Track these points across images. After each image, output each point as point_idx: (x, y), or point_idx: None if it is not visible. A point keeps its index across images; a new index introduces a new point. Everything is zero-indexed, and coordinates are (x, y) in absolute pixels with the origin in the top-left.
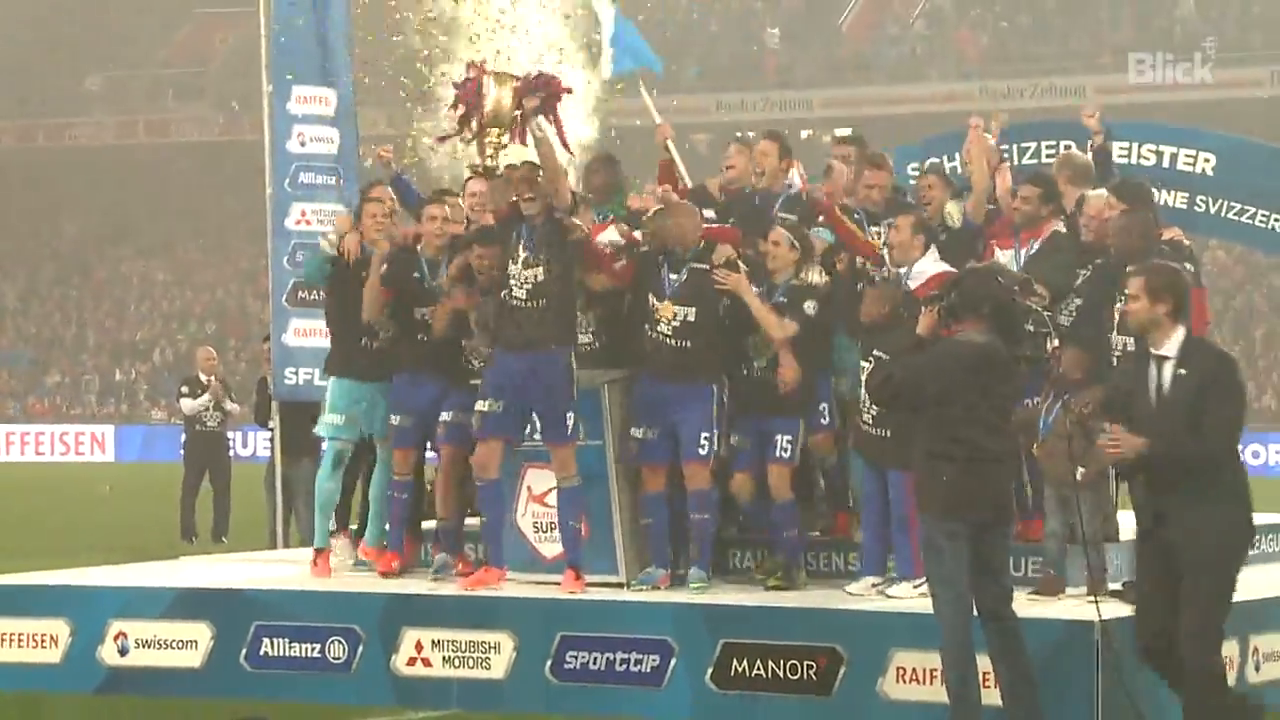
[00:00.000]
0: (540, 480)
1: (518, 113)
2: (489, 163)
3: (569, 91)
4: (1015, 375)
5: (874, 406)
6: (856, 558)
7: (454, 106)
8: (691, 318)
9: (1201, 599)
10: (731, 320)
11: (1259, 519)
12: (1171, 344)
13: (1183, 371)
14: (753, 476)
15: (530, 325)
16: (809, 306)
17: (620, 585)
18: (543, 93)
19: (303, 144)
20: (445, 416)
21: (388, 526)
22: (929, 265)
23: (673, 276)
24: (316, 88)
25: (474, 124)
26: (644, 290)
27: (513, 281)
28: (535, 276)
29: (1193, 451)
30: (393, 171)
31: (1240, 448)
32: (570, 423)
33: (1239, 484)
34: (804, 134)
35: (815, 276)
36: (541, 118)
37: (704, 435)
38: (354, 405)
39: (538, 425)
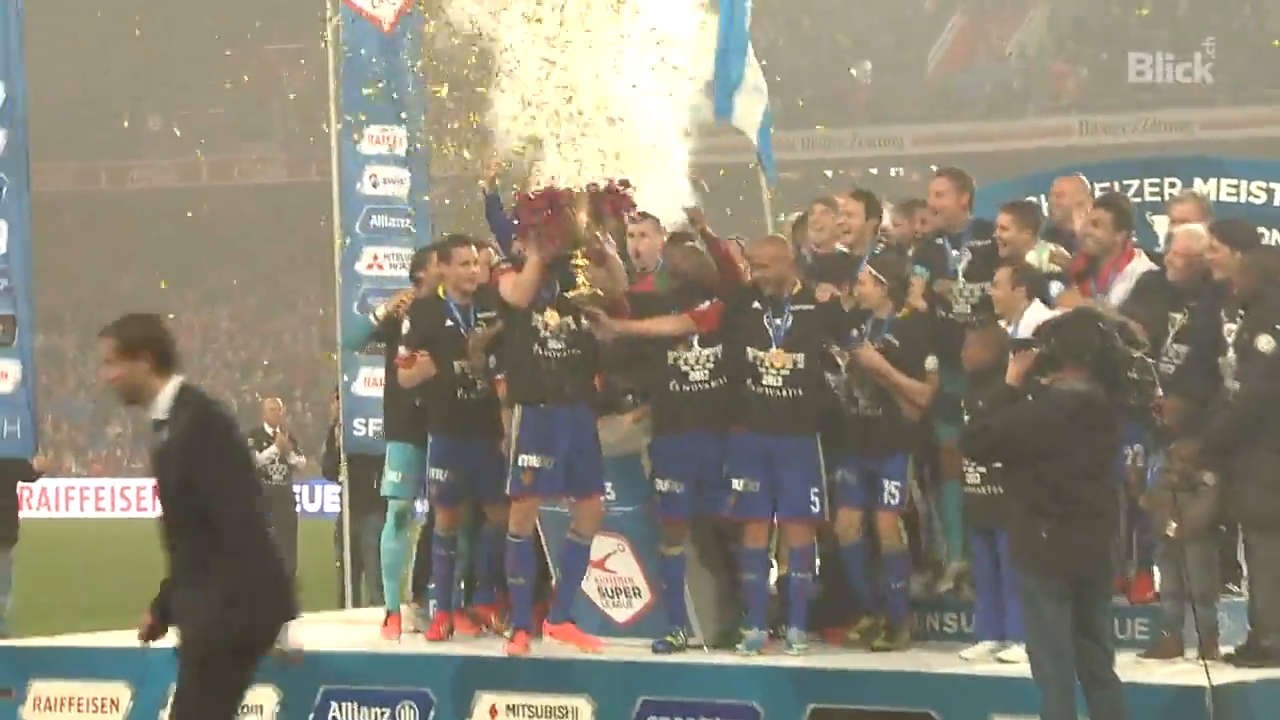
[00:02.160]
0: (598, 546)
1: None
2: (585, 291)
3: (632, 202)
4: (1117, 426)
5: (973, 464)
6: (954, 617)
7: (522, 229)
8: (801, 364)
9: None
10: (829, 360)
11: None
12: None
13: None
14: (861, 515)
15: (568, 376)
16: (930, 363)
17: (697, 647)
18: (615, 206)
19: (375, 185)
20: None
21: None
22: (1038, 316)
23: (776, 322)
24: (388, 126)
25: (552, 249)
26: (739, 340)
27: (547, 333)
28: (569, 325)
29: None
30: (494, 187)
31: None
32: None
33: None
34: (894, 171)
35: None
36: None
37: (814, 491)
38: (413, 463)
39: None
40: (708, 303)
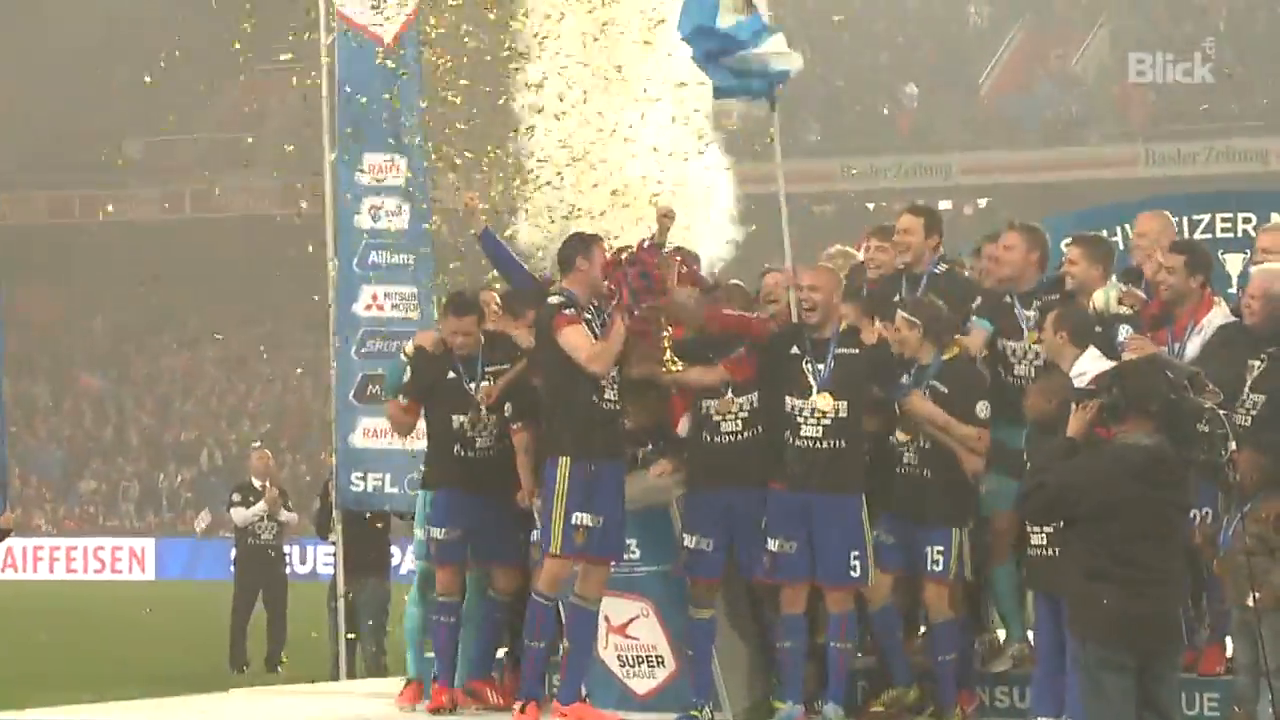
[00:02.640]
0: (619, 610)
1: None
2: (670, 367)
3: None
4: (1186, 482)
5: (1032, 524)
6: (1005, 691)
7: (611, 291)
8: (844, 413)
9: None
10: (874, 409)
11: None
12: None
13: None
14: (892, 580)
15: (618, 430)
16: (981, 409)
17: None
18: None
19: (374, 218)
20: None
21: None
22: (1090, 364)
23: (818, 367)
24: (388, 154)
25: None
26: (776, 388)
27: (605, 382)
28: (615, 376)
29: None
30: (481, 224)
31: None
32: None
33: None
34: (943, 205)
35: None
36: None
37: (854, 555)
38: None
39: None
40: (741, 349)
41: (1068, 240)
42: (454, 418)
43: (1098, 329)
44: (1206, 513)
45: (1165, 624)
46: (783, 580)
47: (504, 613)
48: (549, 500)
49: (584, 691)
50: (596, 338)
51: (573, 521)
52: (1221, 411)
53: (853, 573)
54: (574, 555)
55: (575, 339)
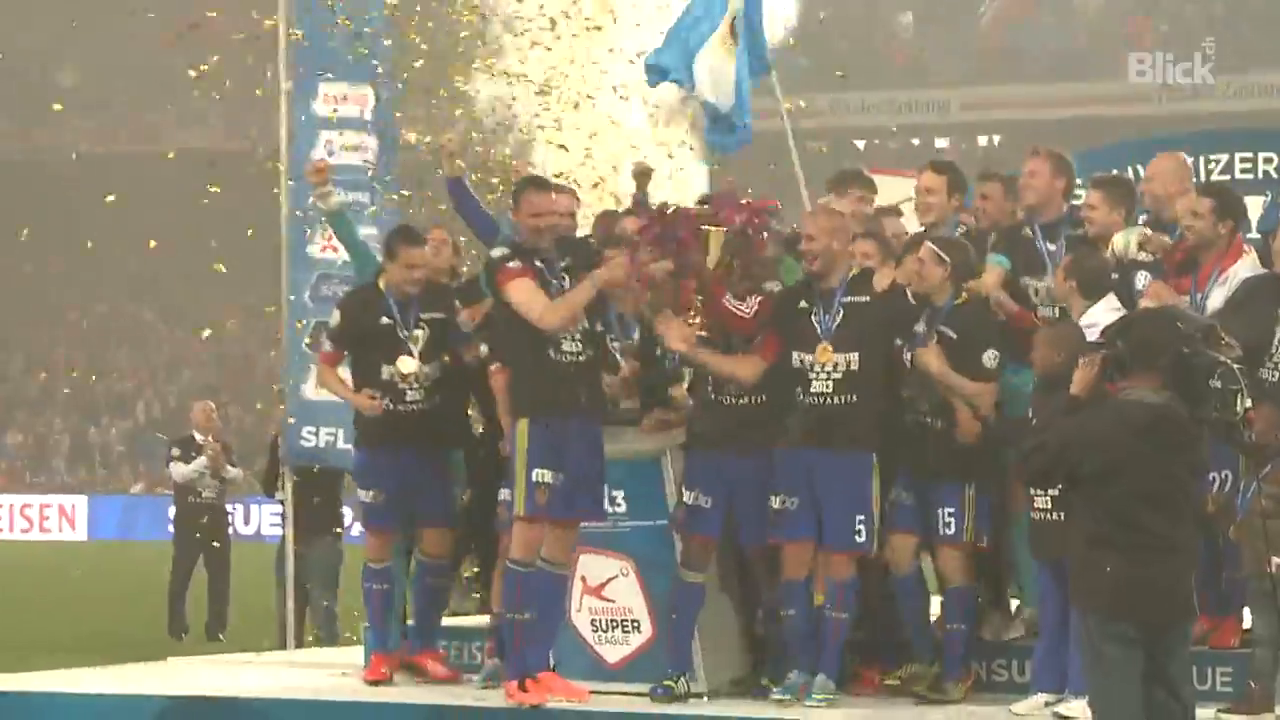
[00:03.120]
0: (597, 568)
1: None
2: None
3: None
4: (1198, 443)
5: (1033, 487)
6: (1003, 664)
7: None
8: (855, 365)
9: None
10: (889, 362)
11: None
12: None
13: None
14: (917, 543)
15: (583, 382)
16: (989, 358)
17: (699, 695)
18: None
19: (330, 153)
20: (504, 495)
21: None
22: (1103, 315)
23: (825, 318)
24: (350, 85)
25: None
26: (784, 340)
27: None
28: (583, 323)
29: None
30: (459, 170)
31: None
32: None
33: None
34: (939, 142)
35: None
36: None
37: (860, 519)
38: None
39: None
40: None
41: (1083, 181)
42: (385, 368)
43: (1114, 275)
44: (1226, 475)
45: (1174, 594)
46: (783, 539)
47: (436, 576)
48: (512, 464)
49: (552, 661)
50: (550, 290)
51: (532, 479)
52: (1238, 367)
53: (857, 537)
54: (537, 516)
55: (522, 294)
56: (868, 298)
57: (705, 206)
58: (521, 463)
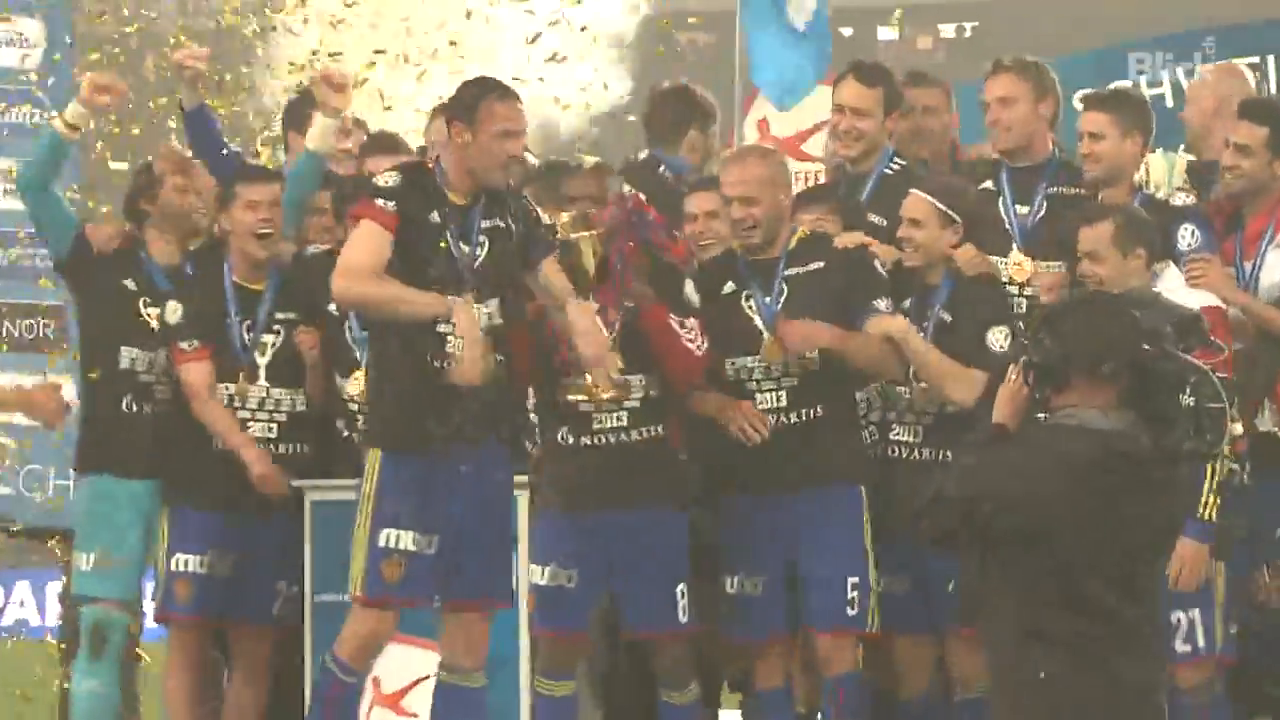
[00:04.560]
0: (399, 665)
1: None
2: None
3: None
4: (1172, 488)
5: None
6: None
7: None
8: (815, 362)
9: None
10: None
11: None
12: None
13: None
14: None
15: (474, 400)
16: (996, 337)
17: None
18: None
19: None
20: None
21: None
22: (1180, 289)
23: (765, 300)
24: None
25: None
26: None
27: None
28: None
29: None
30: (198, 98)
31: None
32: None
33: None
34: (884, 35)
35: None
36: None
37: (852, 581)
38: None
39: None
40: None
41: (1080, 98)
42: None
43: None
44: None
45: (1141, 711)
46: (750, 638)
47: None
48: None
49: None
50: (423, 256)
51: (381, 544)
52: (1220, 376)
53: (848, 609)
54: (383, 599)
55: (355, 243)
56: (822, 262)
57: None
58: (365, 519)
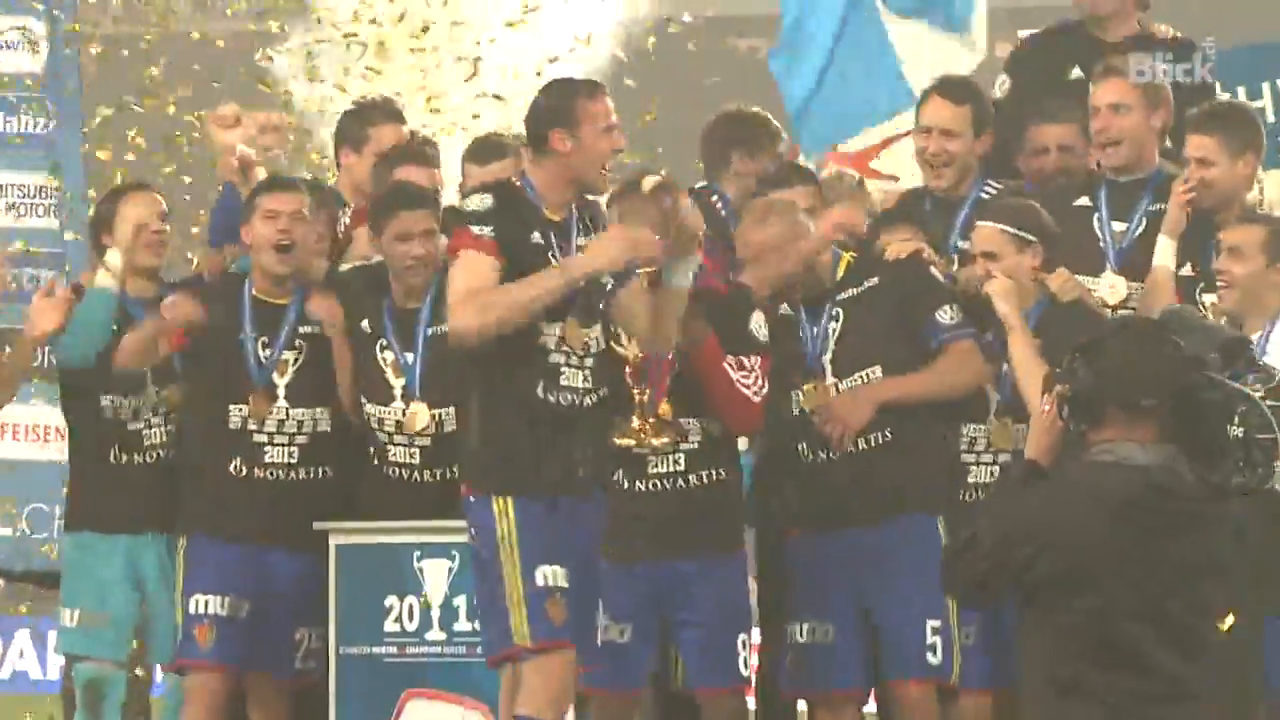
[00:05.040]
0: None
1: None
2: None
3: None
4: (1219, 526)
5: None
6: None
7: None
8: (874, 381)
9: None
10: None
11: None
12: None
13: None
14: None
15: (583, 448)
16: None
17: None
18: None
19: None
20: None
21: None
22: None
23: (814, 330)
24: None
25: None
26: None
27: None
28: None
29: None
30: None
31: None
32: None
33: None
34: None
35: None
36: None
37: (931, 625)
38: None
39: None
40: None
41: (1186, 118)
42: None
43: None
44: None
45: None
46: (820, 691)
47: None
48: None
49: None
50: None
51: (537, 583)
52: (1272, 404)
53: (930, 655)
54: (556, 641)
55: (462, 275)
56: (876, 279)
57: None
58: (512, 565)
